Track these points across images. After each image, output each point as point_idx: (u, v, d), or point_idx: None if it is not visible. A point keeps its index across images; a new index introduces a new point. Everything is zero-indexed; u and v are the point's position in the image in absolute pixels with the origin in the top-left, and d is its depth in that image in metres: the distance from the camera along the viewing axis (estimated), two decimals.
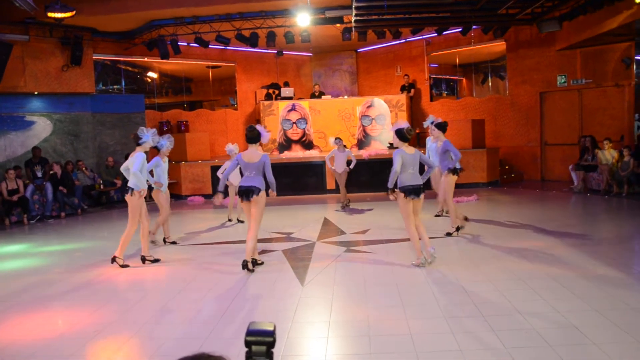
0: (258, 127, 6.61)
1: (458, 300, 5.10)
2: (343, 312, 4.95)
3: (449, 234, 8.02)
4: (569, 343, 4.00)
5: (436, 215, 9.64)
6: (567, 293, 5.13)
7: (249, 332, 1.43)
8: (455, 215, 8.06)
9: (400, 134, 6.28)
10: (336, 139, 10.90)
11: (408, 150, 6.28)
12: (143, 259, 7.11)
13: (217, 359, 1.37)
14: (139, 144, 6.99)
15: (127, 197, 6.90)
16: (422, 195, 6.33)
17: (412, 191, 6.22)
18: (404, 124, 6.43)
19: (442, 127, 8.24)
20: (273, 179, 6.49)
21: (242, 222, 9.74)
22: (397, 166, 6.18)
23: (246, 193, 6.35)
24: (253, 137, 6.50)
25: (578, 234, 7.86)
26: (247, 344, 1.43)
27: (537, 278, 5.65)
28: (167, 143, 7.89)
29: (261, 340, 1.42)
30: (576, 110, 13.90)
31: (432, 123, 8.70)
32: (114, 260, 6.99)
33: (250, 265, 6.41)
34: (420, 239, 6.39)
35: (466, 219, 8.15)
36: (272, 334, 1.43)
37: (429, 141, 9.52)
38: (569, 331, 4.21)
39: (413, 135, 6.45)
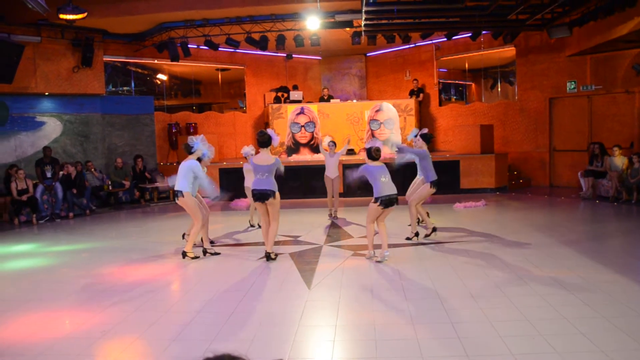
0: (269, 131, 6.99)
1: (465, 305, 5.08)
2: (349, 315, 4.94)
3: (408, 239, 8.12)
4: (576, 350, 3.97)
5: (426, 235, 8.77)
6: (574, 299, 5.10)
7: None
8: (415, 222, 8.19)
9: (368, 153, 6.83)
10: (330, 141, 10.49)
11: (373, 163, 6.78)
12: (184, 254, 7.36)
13: (238, 358, 1.36)
14: (191, 153, 7.36)
15: (181, 201, 7.24)
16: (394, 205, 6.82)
17: (387, 202, 6.65)
18: (377, 142, 6.90)
19: (426, 138, 8.34)
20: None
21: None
22: (358, 175, 6.81)
23: (262, 197, 6.89)
24: (264, 141, 6.92)
25: (586, 240, 7.83)
26: None
27: (544, 284, 5.63)
28: (208, 153, 7.83)
29: None
30: (585, 117, 13.84)
31: (415, 136, 8.63)
32: (184, 255, 7.35)
33: (273, 255, 7.09)
34: (378, 238, 6.98)
35: (434, 229, 8.24)
36: None
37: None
38: (576, 338, 4.19)
39: (381, 156, 6.86)
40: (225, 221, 10.66)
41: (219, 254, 7.61)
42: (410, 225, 8.26)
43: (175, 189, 7.30)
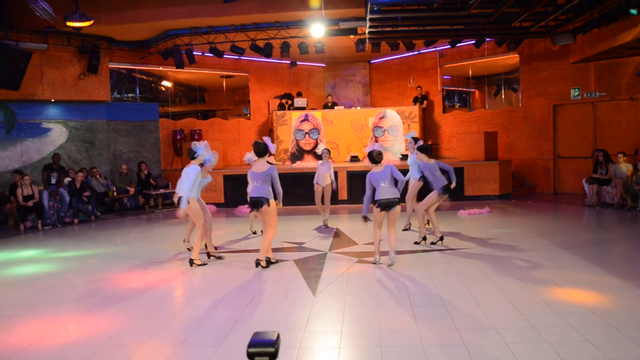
0: (265, 139, 7.03)
1: (470, 312, 5.08)
2: (355, 322, 4.95)
3: (432, 243, 8.20)
4: (582, 357, 3.97)
5: (403, 230, 9.44)
6: (580, 306, 5.10)
7: (251, 344, 1.42)
8: (423, 227, 8.38)
9: (370, 156, 6.92)
10: (324, 149, 10.48)
11: (376, 169, 6.86)
12: (191, 262, 7.30)
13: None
14: (194, 158, 7.43)
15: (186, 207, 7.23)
16: (397, 207, 6.83)
17: (385, 205, 6.76)
18: (377, 146, 6.99)
19: (425, 150, 8.25)
20: (280, 190, 6.98)
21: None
22: (368, 192, 6.90)
23: (256, 204, 6.90)
24: (260, 151, 6.99)
25: (591, 248, 7.81)
26: (249, 355, 1.42)
27: (550, 291, 5.62)
28: (211, 159, 7.83)
29: (262, 351, 1.41)
30: (590, 124, 13.84)
31: (412, 137, 9.26)
32: (192, 263, 7.29)
33: (263, 263, 6.98)
34: (383, 241, 7.18)
35: (441, 238, 8.25)
36: (273, 344, 1.41)
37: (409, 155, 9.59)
38: (583, 346, 4.18)
39: (382, 158, 6.93)
40: (227, 227, 10.67)
41: (222, 258, 7.73)
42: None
43: (180, 194, 7.33)
